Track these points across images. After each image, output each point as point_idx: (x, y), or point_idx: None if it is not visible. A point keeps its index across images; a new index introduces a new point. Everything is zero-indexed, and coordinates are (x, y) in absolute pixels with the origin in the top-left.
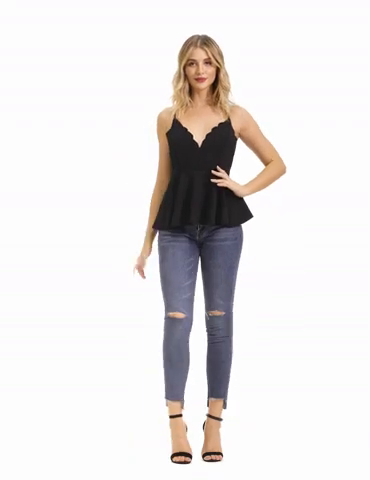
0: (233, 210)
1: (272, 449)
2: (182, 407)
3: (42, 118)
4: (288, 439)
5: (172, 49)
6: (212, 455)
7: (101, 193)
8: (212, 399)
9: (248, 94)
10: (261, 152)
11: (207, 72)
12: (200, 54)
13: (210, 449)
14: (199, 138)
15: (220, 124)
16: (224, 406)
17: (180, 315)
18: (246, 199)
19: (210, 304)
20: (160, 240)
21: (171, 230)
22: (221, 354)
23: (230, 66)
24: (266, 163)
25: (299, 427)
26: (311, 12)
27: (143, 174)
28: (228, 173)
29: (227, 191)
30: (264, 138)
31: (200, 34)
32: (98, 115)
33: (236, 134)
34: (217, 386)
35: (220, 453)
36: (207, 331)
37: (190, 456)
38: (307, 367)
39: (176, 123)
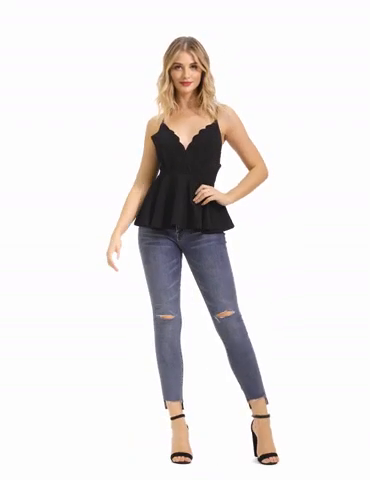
0: (216, 216)
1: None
2: (182, 407)
3: (41, 118)
4: (288, 439)
5: (160, 50)
6: (270, 457)
7: (101, 193)
8: (253, 400)
9: (248, 93)
10: (245, 155)
11: (193, 76)
12: (186, 58)
13: (268, 450)
14: (185, 140)
15: (207, 126)
16: (266, 402)
17: (169, 316)
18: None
19: (216, 307)
20: (141, 241)
21: (152, 230)
22: (246, 355)
23: (224, 66)
24: (249, 167)
25: (299, 427)
26: (301, 12)
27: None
28: (215, 176)
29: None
30: (249, 141)
31: (186, 36)
32: (96, 115)
33: (222, 136)
34: (253, 386)
35: (275, 454)
36: (222, 338)
37: (190, 456)
38: (307, 367)
39: (163, 127)
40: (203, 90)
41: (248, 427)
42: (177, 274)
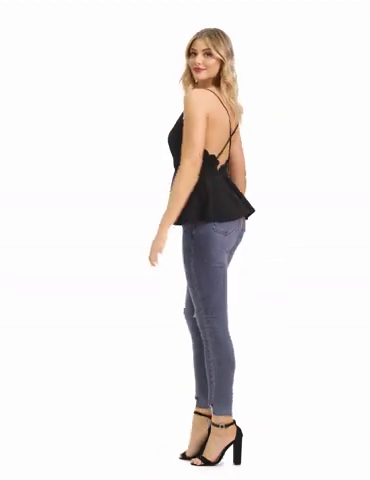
0: (186, 209)
1: (271, 450)
2: (197, 405)
3: (42, 119)
4: (288, 439)
5: (172, 49)
6: (193, 458)
7: (101, 193)
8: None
9: (248, 93)
10: None
11: (205, 63)
12: (200, 44)
13: (203, 452)
14: None
15: (180, 118)
16: (213, 411)
17: (184, 309)
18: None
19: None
20: None
21: None
22: (208, 357)
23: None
24: None
25: (299, 427)
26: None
27: (142, 174)
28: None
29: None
30: (186, 132)
31: (212, 28)
32: (97, 115)
33: None
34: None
35: (200, 457)
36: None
37: (187, 458)
38: (307, 367)
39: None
40: (222, 82)
41: (247, 427)
42: None
